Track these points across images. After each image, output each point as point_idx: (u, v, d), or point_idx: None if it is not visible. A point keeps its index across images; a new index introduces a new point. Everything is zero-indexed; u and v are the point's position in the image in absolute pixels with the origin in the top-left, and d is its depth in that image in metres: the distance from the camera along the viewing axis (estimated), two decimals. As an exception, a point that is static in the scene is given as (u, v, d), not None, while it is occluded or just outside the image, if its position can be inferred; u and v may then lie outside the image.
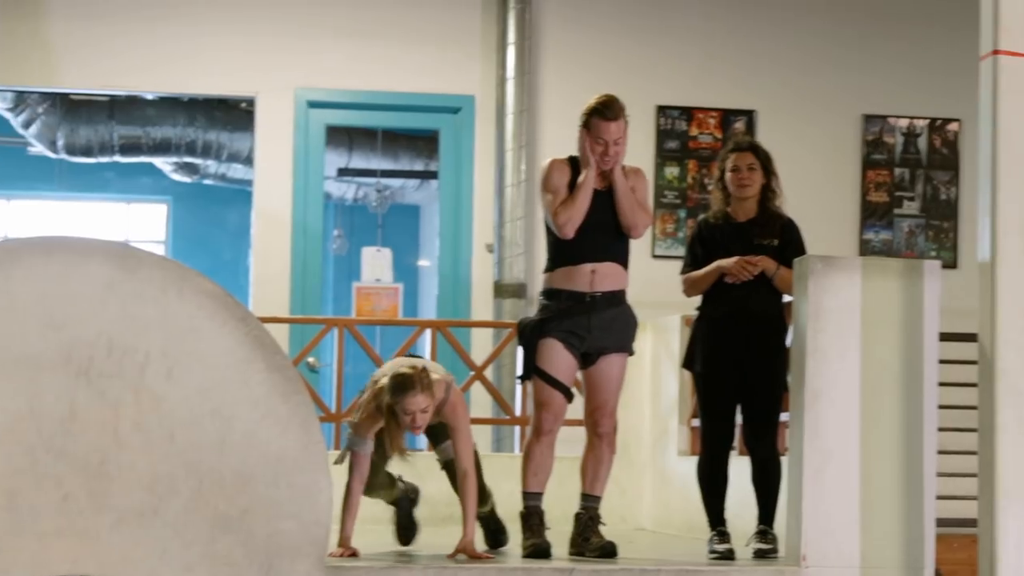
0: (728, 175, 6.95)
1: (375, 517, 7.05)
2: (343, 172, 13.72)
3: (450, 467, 6.75)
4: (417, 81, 10.82)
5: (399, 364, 6.55)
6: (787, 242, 6.88)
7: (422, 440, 7.12)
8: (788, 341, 6.79)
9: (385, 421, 6.40)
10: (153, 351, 5.39)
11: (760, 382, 6.81)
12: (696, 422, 7.68)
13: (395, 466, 6.83)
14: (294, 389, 5.52)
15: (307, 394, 5.63)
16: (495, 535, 6.95)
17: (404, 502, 6.97)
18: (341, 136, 13.05)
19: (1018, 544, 5.98)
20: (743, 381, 6.81)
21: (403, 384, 6.31)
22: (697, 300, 7.03)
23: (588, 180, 6.59)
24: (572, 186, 6.61)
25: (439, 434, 6.72)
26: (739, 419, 6.98)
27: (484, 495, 6.83)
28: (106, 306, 5.36)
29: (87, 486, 5.33)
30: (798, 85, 11.08)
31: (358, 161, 13.48)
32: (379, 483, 6.79)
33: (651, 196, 10.38)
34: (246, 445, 5.44)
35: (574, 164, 6.67)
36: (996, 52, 6.04)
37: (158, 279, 5.42)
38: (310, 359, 10.15)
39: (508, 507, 6.95)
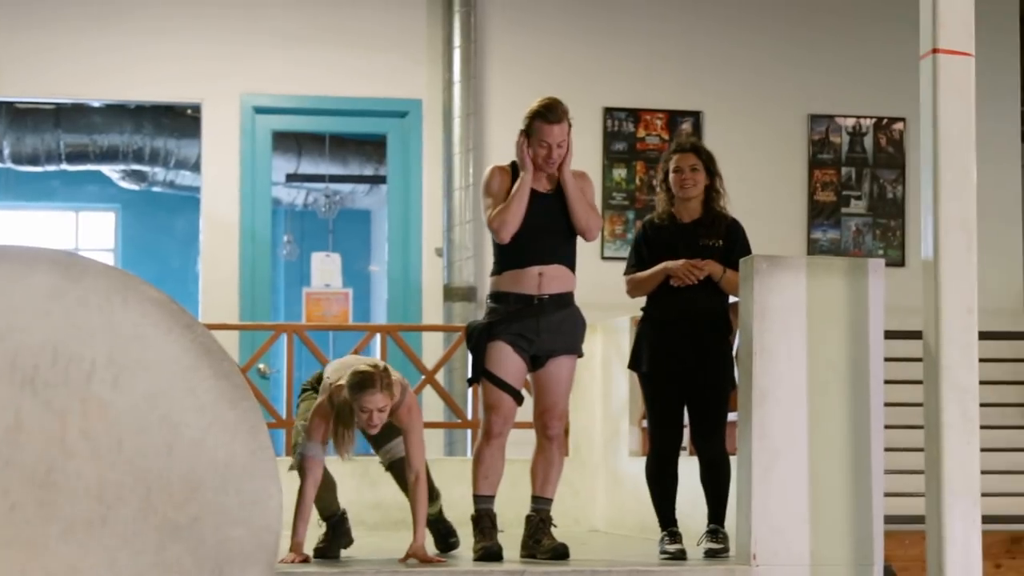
0: (671, 176, 6.97)
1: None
2: (292, 177, 13.69)
3: (395, 468, 6.75)
4: (364, 86, 10.82)
5: (352, 363, 6.55)
6: (732, 243, 6.91)
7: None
8: (735, 340, 6.82)
9: (337, 418, 6.41)
10: (99, 359, 5.37)
11: (706, 382, 6.84)
12: (647, 423, 7.69)
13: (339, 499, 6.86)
14: (241, 395, 5.50)
15: (254, 400, 5.62)
16: (445, 538, 6.95)
17: (339, 535, 6.80)
18: (290, 142, 13.02)
19: (965, 539, 6.01)
20: (689, 381, 6.84)
21: (363, 382, 6.32)
22: (643, 301, 7.05)
23: (524, 185, 6.60)
24: (510, 191, 6.62)
25: (381, 437, 6.72)
26: (687, 419, 7.00)
27: (432, 494, 6.82)
28: (50, 315, 5.34)
29: (34, 496, 5.30)
30: (744, 86, 11.13)
31: (307, 166, 13.46)
32: (325, 482, 6.73)
33: (599, 198, 10.41)
34: (194, 452, 5.42)
35: (516, 170, 6.69)
36: (936, 51, 6.08)
37: (102, 287, 5.40)
38: (260, 365, 10.13)
39: (460, 511, 6.95)
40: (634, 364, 7.09)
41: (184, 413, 5.42)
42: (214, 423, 5.45)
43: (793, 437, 6.21)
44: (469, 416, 9.32)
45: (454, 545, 6.92)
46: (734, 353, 6.86)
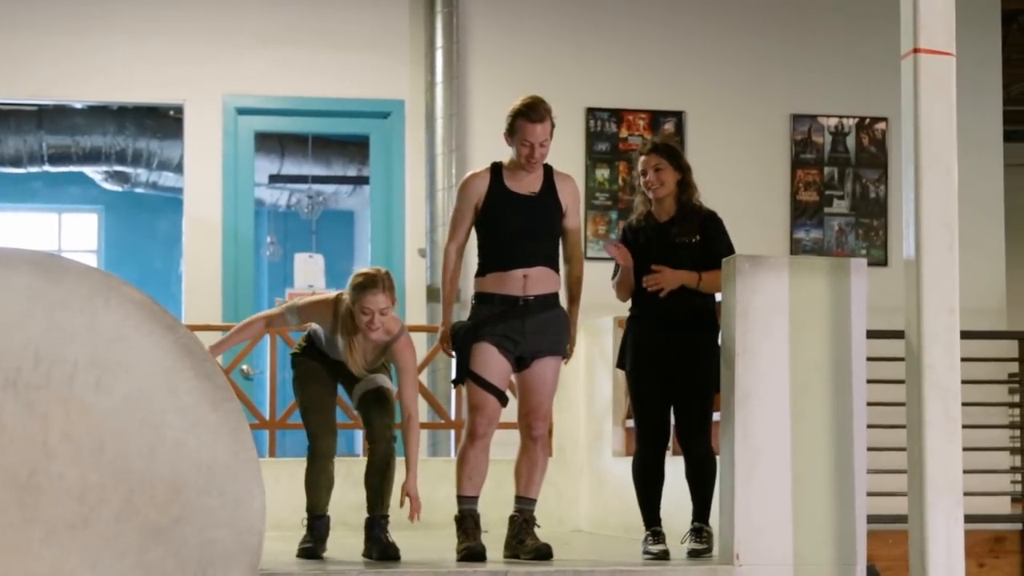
0: (641, 180, 6.99)
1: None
2: (275, 178, 13.68)
3: (365, 400, 6.80)
4: (346, 86, 10.81)
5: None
6: (709, 237, 6.87)
7: (359, 445, 7.11)
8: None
9: (341, 328, 6.56)
10: (81, 361, 5.36)
11: (691, 380, 6.82)
12: (631, 423, 7.69)
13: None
14: (223, 396, 5.50)
15: (237, 401, 5.62)
16: (382, 547, 6.65)
17: (320, 530, 6.81)
18: (273, 143, 13.02)
19: (948, 538, 6.02)
20: (674, 379, 6.83)
21: (366, 282, 6.51)
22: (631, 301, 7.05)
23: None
24: (490, 196, 6.64)
25: (360, 379, 6.81)
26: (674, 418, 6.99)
27: (387, 482, 6.79)
28: (32, 317, 5.33)
29: (17, 498, 5.29)
30: (727, 86, 11.13)
31: (290, 167, 13.45)
32: (326, 479, 6.76)
33: (582, 199, 10.40)
34: (176, 454, 5.42)
35: (494, 173, 6.70)
36: (917, 50, 6.08)
37: (84, 289, 5.39)
38: (244, 367, 10.12)
39: (444, 511, 6.95)
40: (621, 362, 7.09)
41: (166, 414, 5.42)
42: (196, 424, 5.45)
43: (776, 437, 6.21)
44: (453, 417, 9.31)
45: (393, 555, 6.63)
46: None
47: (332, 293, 6.76)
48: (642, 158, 6.96)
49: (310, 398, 6.81)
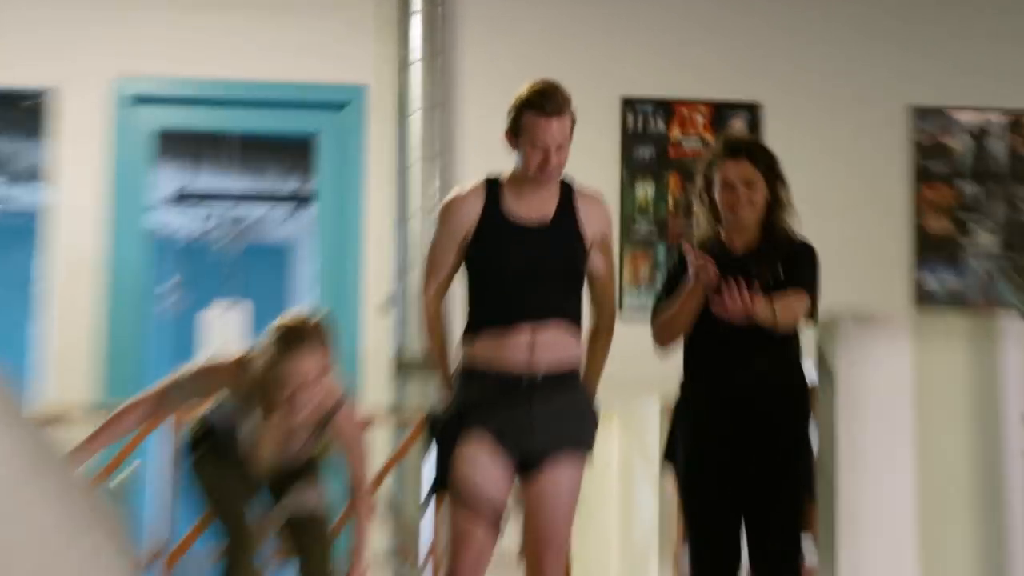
0: (718, 192, 6.90)
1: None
2: (184, 197, 13.71)
3: (294, 525, 6.87)
4: (287, 67, 10.89)
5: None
6: (791, 266, 6.80)
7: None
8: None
9: (251, 401, 6.58)
10: None
11: (772, 489, 6.74)
12: (688, 549, 7.59)
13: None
14: (92, 519, 5.31)
15: (115, 525, 5.43)
16: None
17: None
18: (181, 145, 13.02)
19: None
20: (746, 486, 6.75)
21: (288, 337, 6.46)
22: (679, 370, 6.94)
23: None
24: (483, 224, 6.60)
25: (287, 479, 6.86)
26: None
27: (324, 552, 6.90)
28: None
29: None
30: (820, 69, 11.24)
31: (205, 180, 13.48)
32: (241, 516, 6.78)
33: (617, 229, 10.31)
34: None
35: (491, 189, 6.61)
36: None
37: None
38: (128, 469, 9.94)
39: None
40: (670, 457, 7.04)
41: (3, 553, 5.23)
42: (50, 566, 5.26)
43: (897, 577, 6.14)
44: (423, 554, 9.16)
45: None
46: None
47: (235, 354, 6.65)
48: (726, 163, 6.88)
49: (213, 480, 6.85)
